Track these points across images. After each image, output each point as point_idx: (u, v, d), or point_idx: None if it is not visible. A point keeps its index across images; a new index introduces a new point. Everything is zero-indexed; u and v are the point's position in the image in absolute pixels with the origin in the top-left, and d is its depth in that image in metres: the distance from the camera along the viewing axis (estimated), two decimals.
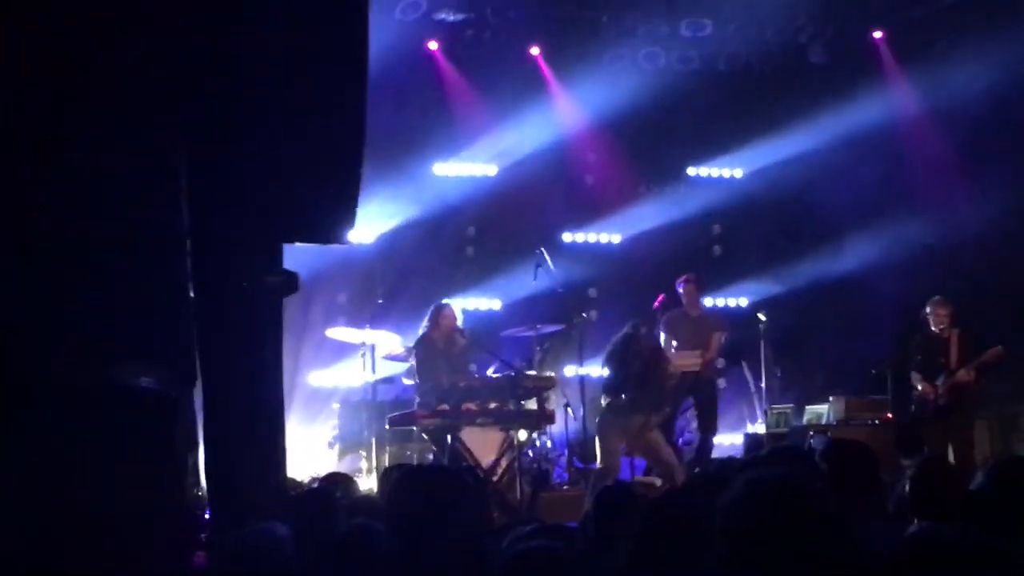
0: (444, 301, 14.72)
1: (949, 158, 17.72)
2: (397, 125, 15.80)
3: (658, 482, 13.03)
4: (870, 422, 14.67)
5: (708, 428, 15.05)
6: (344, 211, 8.09)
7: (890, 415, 14.57)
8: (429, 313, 14.41)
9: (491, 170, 17.88)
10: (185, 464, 7.67)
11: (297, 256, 8.45)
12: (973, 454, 13.16)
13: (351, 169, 8.05)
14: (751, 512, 3.75)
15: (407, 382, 14.73)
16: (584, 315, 15.74)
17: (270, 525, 6.28)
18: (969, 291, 14.81)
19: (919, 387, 14.07)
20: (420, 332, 14.34)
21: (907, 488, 6.47)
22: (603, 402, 13.33)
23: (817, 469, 6.69)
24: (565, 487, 14.32)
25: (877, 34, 17.92)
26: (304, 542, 6.27)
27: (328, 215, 8.13)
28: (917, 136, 17.88)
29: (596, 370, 14.68)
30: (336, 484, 8.59)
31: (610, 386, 13.18)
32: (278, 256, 8.02)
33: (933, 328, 14.25)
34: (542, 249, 15.24)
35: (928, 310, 14.34)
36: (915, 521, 6.29)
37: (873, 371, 14.95)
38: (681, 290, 15.41)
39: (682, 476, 12.59)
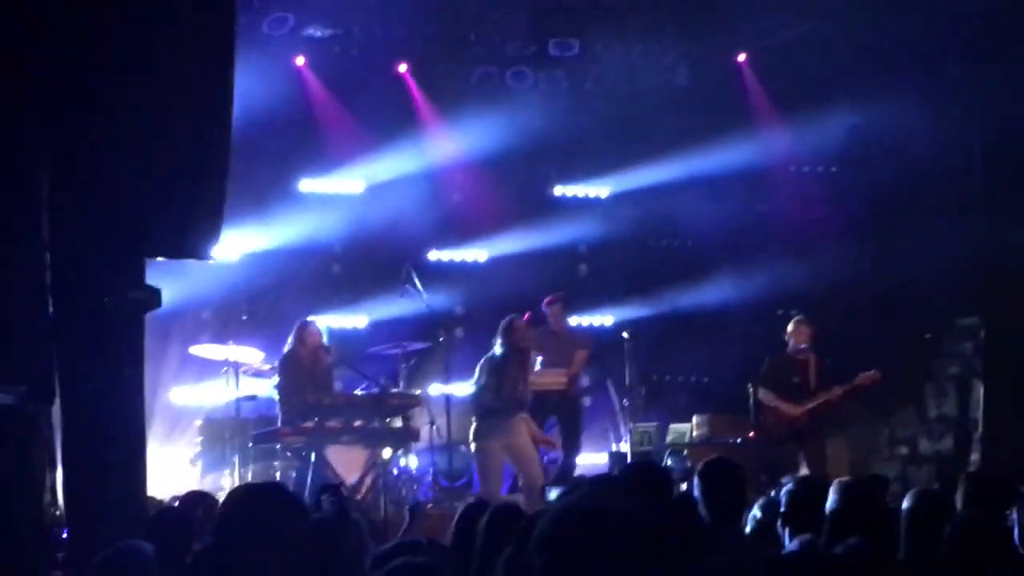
0: (309, 318, 14.63)
1: (810, 192, 18.01)
2: (263, 141, 15.70)
3: (522, 501, 13.07)
4: (732, 440, 14.81)
5: (571, 447, 15.16)
6: (208, 227, 8.04)
7: (752, 433, 14.71)
8: (294, 330, 14.31)
9: (358, 187, 17.80)
10: (42, 482, 7.56)
11: (160, 272, 8.37)
12: (826, 472, 13.34)
13: (216, 185, 8.00)
14: (556, 544, 3.76)
15: (269, 402, 14.64)
16: (450, 333, 15.72)
17: (135, 543, 6.20)
18: (827, 323, 14.99)
19: (779, 405, 14.25)
20: (285, 349, 14.25)
21: (783, 505, 6.62)
22: (475, 415, 13.41)
23: (669, 485, 6.80)
24: (430, 506, 14.29)
25: (741, 57, 18.11)
26: (163, 562, 6.20)
27: (192, 230, 8.07)
28: (780, 164, 18.12)
29: (462, 388, 14.69)
30: (195, 503, 8.50)
31: (483, 390, 13.28)
32: (140, 271, 7.94)
33: (793, 346, 14.45)
34: (408, 267, 15.21)
35: (791, 328, 14.53)
36: (786, 536, 6.44)
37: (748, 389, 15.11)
38: (547, 311, 15.52)
39: (540, 501, 12.66)
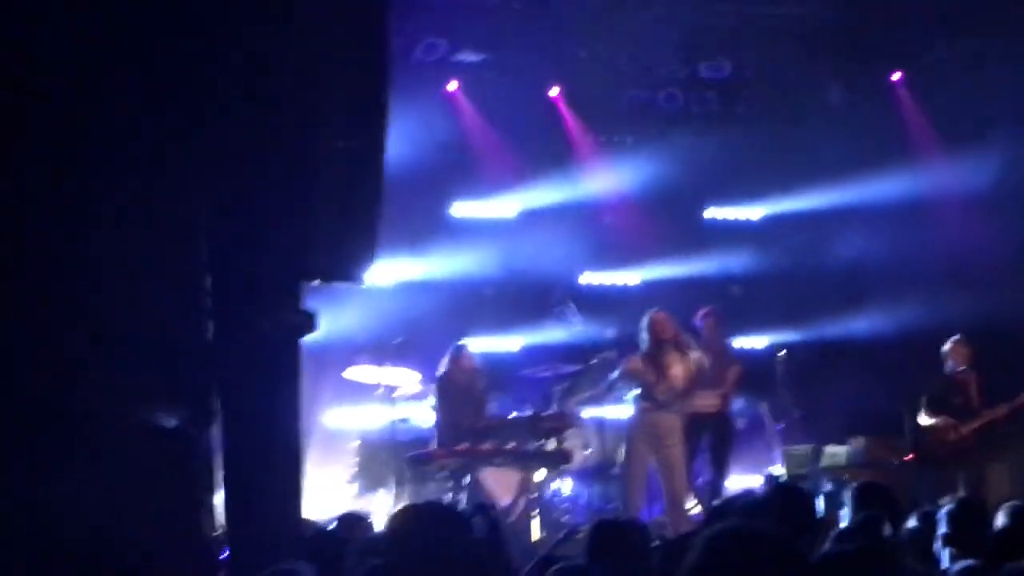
0: (463, 341, 14.72)
1: (969, 220, 17.60)
2: (416, 166, 15.78)
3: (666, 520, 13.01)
4: (889, 463, 14.61)
5: (720, 467, 15.02)
6: (363, 250, 8.13)
7: (910, 456, 14.51)
8: (448, 353, 14.41)
9: (511, 212, 17.89)
10: (204, 503, 7.68)
11: (318, 297, 8.48)
12: (986, 495, 13.11)
13: (370, 209, 8.09)
14: (709, 571, 3.75)
15: (423, 424, 14.72)
16: (603, 355, 15.70)
17: (294, 565, 6.29)
18: (987, 346, 14.68)
19: (941, 426, 14.03)
20: (439, 372, 14.35)
21: (944, 526, 6.53)
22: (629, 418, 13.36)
23: (811, 508, 6.73)
24: (583, 527, 14.26)
25: (896, 76, 17.87)
26: None
27: (347, 254, 8.16)
28: (939, 191, 17.75)
29: (614, 411, 14.66)
30: (352, 524, 8.59)
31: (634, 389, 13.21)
32: (297, 295, 8.04)
33: (952, 367, 14.23)
34: (562, 290, 15.23)
35: (948, 348, 14.31)
36: (946, 558, 6.35)
37: (901, 411, 14.83)
38: (700, 324, 15.42)
39: (685, 520, 12.62)
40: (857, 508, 7.50)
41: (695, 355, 13.48)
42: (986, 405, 14.01)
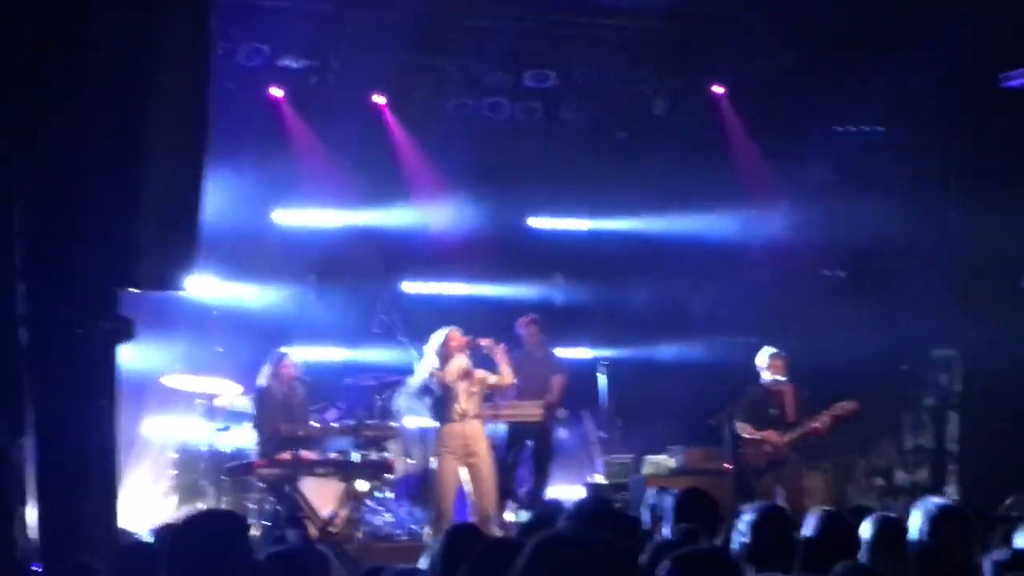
0: (283, 350, 14.58)
1: (791, 224, 17.82)
2: (238, 171, 15.57)
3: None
4: (708, 471, 14.77)
5: (542, 475, 15.12)
6: (182, 257, 7.99)
7: (727, 465, 14.69)
8: (269, 362, 14.27)
9: (333, 218, 17.75)
10: (15, 515, 7.48)
11: (136, 303, 8.32)
12: (804, 503, 13.31)
13: (190, 215, 7.96)
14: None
15: (243, 435, 14.55)
16: None
17: None
18: (802, 355, 14.91)
19: (759, 437, 14.19)
20: (259, 381, 14.20)
21: (745, 538, 6.41)
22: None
23: (619, 520, 6.72)
24: (404, 537, 14.24)
25: (718, 89, 18.03)
26: None
27: (166, 261, 8.02)
28: (759, 202, 17.95)
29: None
30: (167, 537, 8.43)
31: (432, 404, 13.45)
32: (113, 302, 7.88)
33: (768, 379, 14.42)
34: (383, 300, 15.16)
35: (764, 362, 14.48)
36: (751, 572, 6.29)
37: (711, 421, 15.00)
38: (522, 332, 15.47)
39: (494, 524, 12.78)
40: (677, 517, 7.52)
41: (479, 372, 13.67)
42: (803, 416, 14.22)
